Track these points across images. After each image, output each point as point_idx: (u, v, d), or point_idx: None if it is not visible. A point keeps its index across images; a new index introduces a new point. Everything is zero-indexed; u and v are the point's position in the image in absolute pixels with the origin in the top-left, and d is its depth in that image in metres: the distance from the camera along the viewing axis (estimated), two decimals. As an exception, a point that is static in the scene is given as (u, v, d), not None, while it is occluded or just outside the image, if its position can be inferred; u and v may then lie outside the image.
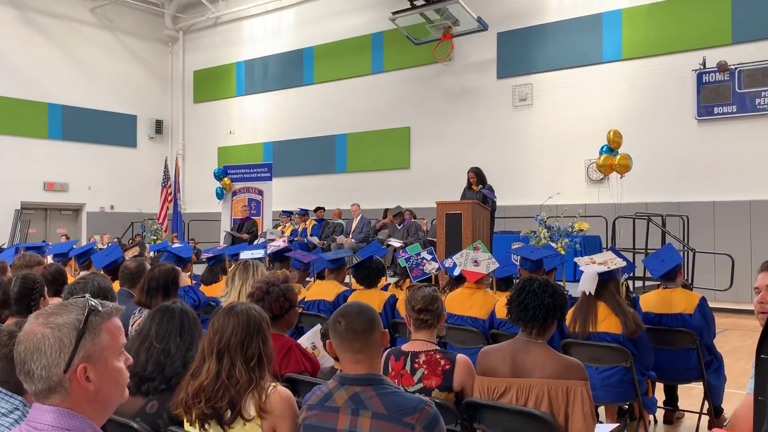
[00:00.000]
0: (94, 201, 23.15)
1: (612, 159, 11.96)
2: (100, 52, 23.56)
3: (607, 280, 4.93)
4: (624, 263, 5.23)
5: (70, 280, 5.70)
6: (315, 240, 14.39)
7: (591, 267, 5.01)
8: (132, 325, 4.57)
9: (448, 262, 6.72)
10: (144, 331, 3.08)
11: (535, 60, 17.28)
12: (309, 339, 4.30)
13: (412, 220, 14.52)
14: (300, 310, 4.04)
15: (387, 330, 2.86)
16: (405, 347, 3.67)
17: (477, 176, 11.04)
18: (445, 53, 17.55)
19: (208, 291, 7.40)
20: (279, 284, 3.91)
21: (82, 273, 7.20)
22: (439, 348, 3.65)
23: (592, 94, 16.37)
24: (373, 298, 6.20)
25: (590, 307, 4.90)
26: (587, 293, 4.92)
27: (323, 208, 15.98)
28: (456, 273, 6.27)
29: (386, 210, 15.86)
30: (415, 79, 19.40)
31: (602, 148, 12.08)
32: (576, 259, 5.43)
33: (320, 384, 2.77)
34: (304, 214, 15.60)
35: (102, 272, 6.84)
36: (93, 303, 1.73)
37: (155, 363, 2.95)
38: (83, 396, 1.68)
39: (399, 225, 14.28)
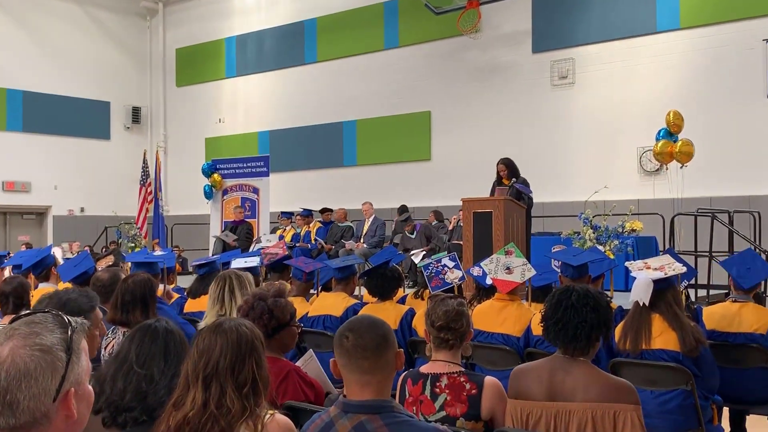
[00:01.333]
0: (61, 203, 23.31)
1: (672, 145, 11.90)
2: (67, 28, 23.71)
3: (663, 288, 4.92)
4: (684, 269, 5.22)
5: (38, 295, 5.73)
6: (322, 242, 14.41)
7: (645, 273, 5.00)
8: (105, 348, 4.60)
9: (475, 270, 6.72)
10: (122, 353, 3.07)
11: (577, 31, 17.22)
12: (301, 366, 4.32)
13: (433, 222, 14.53)
14: (298, 329, 4.04)
15: (402, 350, 2.87)
16: (424, 369, 3.69)
17: (508, 168, 11.03)
18: (471, 24, 17.53)
19: (195, 305, 7.45)
20: (267, 299, 3.92)
21: (44, 287, 7.24)
22: (464, 369, 3.66)
23: (644, 70, 16.30)
24: (388, 313, 6.23)
25: (643, 321, 4.88)
26: (640, 304, 4.91)
27: (330, 210, 16.02)
28: (488, 282, 6.27)
29: (399, 210, 15.83)
30: (436, 55, 19.39)
31: (659, 132, 12.02)
32: (627, 264, 5.43)
33: (321, 411, 2.78)
34: (307, 215, 15.63)
35: (70, 285, 6.90)
36: (70, 319, 1.75)
37: (135, 391, 2.93)
38: (62, 426, 1.68)
39: (411, 233, 14.30)
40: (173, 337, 3.11)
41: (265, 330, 3.78)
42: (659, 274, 4.97)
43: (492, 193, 11.05)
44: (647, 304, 4.88)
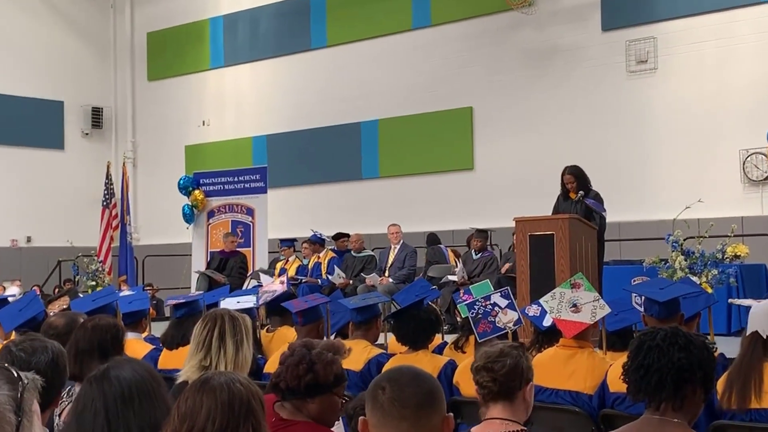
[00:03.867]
0: (2, 231, 23.44)
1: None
2: (11, 11, 23.98)
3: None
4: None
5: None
6: (338, 276, 14.26)
7: (754, 302, 4.95)
8: (59, 415, 4.60)
9: (532, 309, 6.70)
10: (74, 417, 3.03)
11: (660, 1, 17.22)
12: None
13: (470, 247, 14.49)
14: (341, 401, 3.96)
15: (452, 415, 2.86)
16: (475, 430, 3.68)
17: (577, 179, 11.02)
18: (523, -5, 17.64)
19: (173, 359, 7.45)
20: (313, 348, 3.92)
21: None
22: (525, 428, 3.65)
23: (747, 51, 16.25)
24: (422, 366, 6.15)
25: (754, 369, 4.82)
26: (751, 346, 4.84)
27: (347, 235, 16.01)
28: (546, 324, 6.25)
29: (427, 241, 15.83)
30: (479, 35, 19.44)
31: (770, 130, 11.97)
32: (732, 301, 5.37)
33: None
34: (317, 241, 15.58)
35: (13, 335, 6.92)
36: (21, 374, 1.76)
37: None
38: None
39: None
40: (145, 386, 3.06)
41: (297, 385, 3.79)
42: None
43: (555, 210, 11.01)
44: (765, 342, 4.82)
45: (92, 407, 2.97)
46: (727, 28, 16.47)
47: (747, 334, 4.92)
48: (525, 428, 3.64)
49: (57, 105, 24.76)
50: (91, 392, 3.01)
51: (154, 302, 16.04)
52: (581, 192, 10.92)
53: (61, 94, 24.83)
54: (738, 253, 10.77)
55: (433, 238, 15.84)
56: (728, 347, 6.56)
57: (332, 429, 4.27)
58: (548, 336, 6.54)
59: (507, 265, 13.11)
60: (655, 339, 3.41)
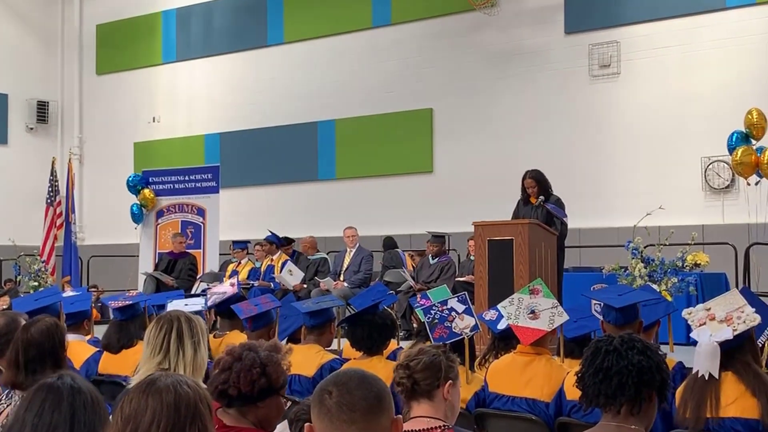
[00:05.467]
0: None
1: (754, 155, 11.92)
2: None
3: (736, 344, 4.93)
4: (758, 318, 5.19)
5: None
6: (288, 272, 14.17)
7: (707, 332, 4.97)
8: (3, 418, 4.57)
9: (489, 314, 6.74)
10: (16, 427, 2.99)
11: (623, 5, 17.36)
12: None
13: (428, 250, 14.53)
14: (286, 404, 4.00)
15: (401, 417, 2.88)
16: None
17: (538, 184, 11.08)
18: (486, -5, 17.69)
19: (115, 363, 7.42)
20: (259, 350, 3.92)
21: None
22: (448, 424, 3.70)
23: (710, 57, 16.40)
24: (377, 371, 6.13)
25: (710, 382, 4.90)
26: (705, 377, 4.89)
27: (291, 240, 15.93)
28: (500, 327, 6.29)
29: (384, 245, 15.84)
30: (440, 35, 19.50)
31: (731, 137, 12.07)
32: (685, 313, 5.39)
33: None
34: (274, 241, 15.51)
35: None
36: None
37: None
38: None
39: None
40: (82, 398, 3.02)
41: (250, 390, 3.78)
42: (726, 333, 4.94)
43: (515, 215, 11.07)
44: (715, 375, 4.87)
45: (54, 414, 2.94)
46: (691, 34, 16.63)
47: (692, 372, 4.97)
48: (446, 424, 3.67)
49: (1, 98, 24.51)
50: (55, 398, 2.98)
51: (99, 304, 15.89)
52: (542, 197, 11.00)
53: (5, 87, 24.56)
54: (698, 262, 10.88)
55: (390, 243, 15.85)
56: (687, 356, 6.61)
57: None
58: (505, 342, 6.58)
59: (469, 277, 13.13)
60: (612, 343, 3.48)
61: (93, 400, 3.03)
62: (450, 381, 3.91)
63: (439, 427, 3.64)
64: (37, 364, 4.74)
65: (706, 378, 4.88)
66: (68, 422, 2.94)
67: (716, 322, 5.04)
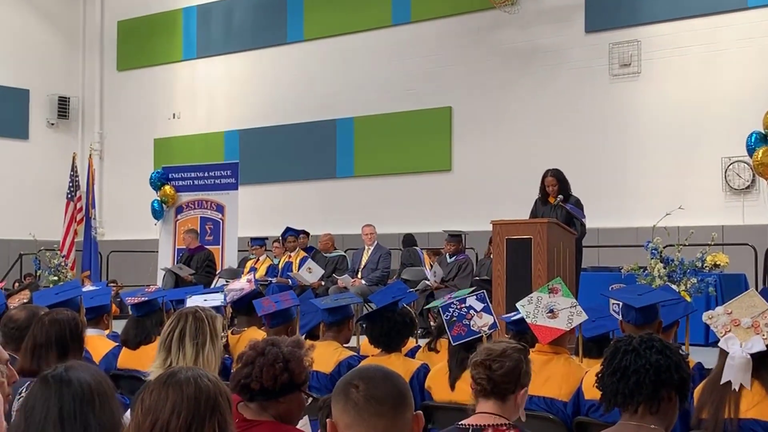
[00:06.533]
0: (-39, 224, 23.27)
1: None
2: (-25, -6, 23.82)
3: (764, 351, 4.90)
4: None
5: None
6: (307, 270, 14.17)
7: (735, 341, 4.90)
8: (16, 411, 4.59)
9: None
10: (23, 416, 2.95)
11: (644, 5, 17.31)
12: None
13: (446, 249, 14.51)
14: (308, 400, 4.03)
15: (422, 413, 2.89)
16: (464, 421, 3.76)
17: (559, 183, 11.06)
18: (506, -6, 17.67)
19: (135, 359, 7.45)
20: (282, 345, 3.94)
21: None
22: (514, 423, 3.71)
23: (731, 57, 16.34)
24: (395, 369, 6.19)
25: (731, 385, 4.87)
26: (735, 389, 4.85)
27: (306, 233, 15.95)
28: (513, 318, 6.29)
29: (403, 242, 15.83)
30: (460, 33, 19.48)
31: (750, 137, 12.03)
32: (705, 317, 5.32)
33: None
34: (292, 235, 15.48)
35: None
36: None
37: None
38: None
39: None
40: (72, 390, 2.93)
41: (272, 385, 3.80)
42: (758, 344, 4.87)
43: (533, 215, 11.06)
44: (747, 386, 4.83)
45: (44, 407, 2.91)
46: (712, 34, 16.57)
47: (722, 382, 4.91)
48: (512, 423, 3.69)
49: (22, 93, 24.59)
50: (45, 391, 2.94)
51: (118, 299, 15.95)
52: (560, 196, 10.97)
53: (27, 83, 24.65)
54: (718, 262, 10.85)
55: (409, 240, 15.83)
56: (705, 357, 6.61)
57: (300, 428, 4.31)
58: (521, 339, 6.57)
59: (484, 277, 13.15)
60: (631, 343, 3.49)
61: (85, 392, 2.96)
62: (525, 388, 3.92)
63: (505, 424, 3.66)
64: (42, 350, 4.79)
65: (737, 389, 4.83)
66: (57, 415, 2.90)
67: (742, 328, 4.99)
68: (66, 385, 2.94)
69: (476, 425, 3.67)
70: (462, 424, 3.68)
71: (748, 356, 4.80)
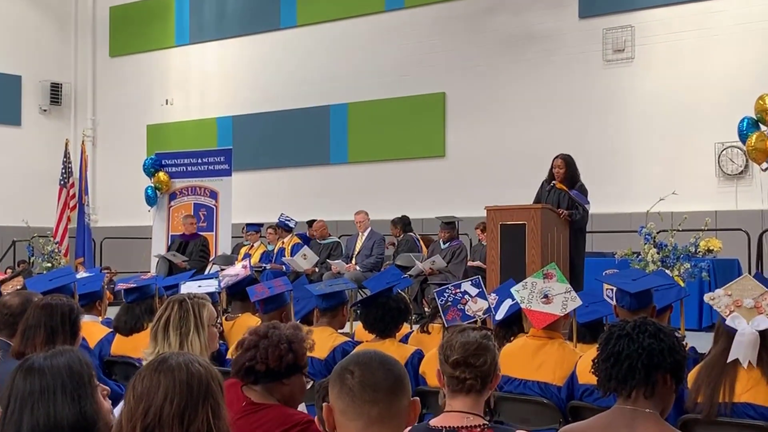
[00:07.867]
0: (-45, 210, 23.23)
1: (768, 140, 11.88)
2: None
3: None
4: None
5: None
6: (302, 256, 14.20)
7: (741, 319, 4.91)
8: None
9: (491, 298, 6.75)
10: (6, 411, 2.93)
11: (639, -11, 17.32)
12: None
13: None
14: (309, 383, 4.04)
15: (418, 399, 2.88)
16: (435, 422, 3.65)
17: (567, 167, 11.05)
18: (499, -21, 17.66)
19: (128, 345, 7.44)
20: (283, 328, 3.97)
21: None
22: (488, 423, 3.67)
23: (725, 43, 16.34)
24: (390, 354, 6.24)
25: (726, 369, 4.88)
26: (744, 365, 4.85)
27: (320, 222, 16.00)
28: (498, 318, 6.29)
29: (394, 222, 15.85)
30: (454, 19, 19.45)
31: (742, 122, 12.04)
32: (707, 298, 5.35)
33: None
34: (284, 226, 15.58)
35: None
36: None
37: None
38: None
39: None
40: (44, 382, 2.91)
41: (278, 365, 3.82)
42: (764, 321, 4.89)
43: (537, 199, 11.05)
44: (754, 363, 4.84)
45: (17, 398, 2.91)
46: (706, 19, 16.56)
47: (729, 360, 4.91)
48: (487, 423, 3.64)
49: (14, 79, 24.51)
50: (16, 382, 2.95)
51: (112, 286, 15.95)
52: (567, 182, 10.95)
53: (19, 69, 24.57)
54: (711, 248, 10.89)
55: (405, 221, 15.75)
56: (699, 342, 6.63)
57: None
58: (505, 330, 6.58)
59: (478, 263, 13.18)
60: (625, 328, 3.50)
61: (64, 381, 2.95)
62: (499, 376, 3.86)
63: (480, 426, 3.53)
64: (30, 332, 4.81)
65: (744, 366, 4.84)
66: (27, 403, 2.90)
67: (745, 308, 5.00)
68: (41, 375, 2.92)
69: (448, 427, 3.56)
70: (434, 426, 3.56)
71: (757, 333, 4.82)
